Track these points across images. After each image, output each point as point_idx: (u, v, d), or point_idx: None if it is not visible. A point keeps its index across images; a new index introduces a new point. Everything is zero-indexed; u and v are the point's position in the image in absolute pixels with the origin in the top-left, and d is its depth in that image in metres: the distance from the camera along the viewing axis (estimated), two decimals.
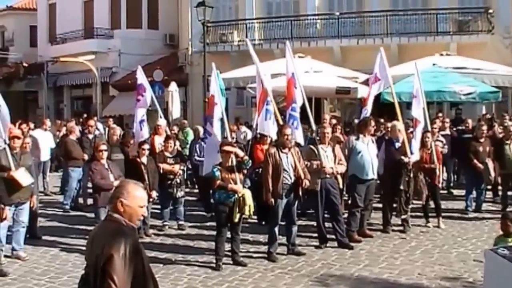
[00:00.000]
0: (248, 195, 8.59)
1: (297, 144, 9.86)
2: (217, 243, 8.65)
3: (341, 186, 9.92)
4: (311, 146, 9.70)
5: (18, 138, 9.20)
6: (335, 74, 17.71)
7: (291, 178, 8.95)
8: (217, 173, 8.67)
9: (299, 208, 9.96)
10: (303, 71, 15.25)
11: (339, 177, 9.79)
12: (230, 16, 27.16)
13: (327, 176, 9.48)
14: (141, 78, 13.52)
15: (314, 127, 10.20)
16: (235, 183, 8.63)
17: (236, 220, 8.58)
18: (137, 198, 3.98)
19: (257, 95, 10.57)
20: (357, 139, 10.12)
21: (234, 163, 8.82)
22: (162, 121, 13.51)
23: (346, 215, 10.18)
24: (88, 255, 4.03)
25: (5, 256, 8.95)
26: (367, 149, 10.02)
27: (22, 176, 8.89)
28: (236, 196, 8.54)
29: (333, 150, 9.66)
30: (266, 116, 10.16)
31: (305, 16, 25.49)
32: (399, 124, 10.70)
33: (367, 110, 11.33)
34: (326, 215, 9.79)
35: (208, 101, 10.83)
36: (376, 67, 11.38)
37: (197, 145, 12.77)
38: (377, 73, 11.41)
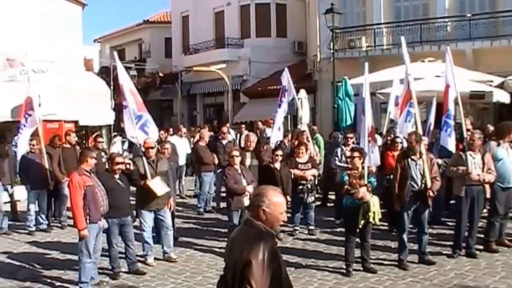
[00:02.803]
0: (374, 202, 8.51)
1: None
2: (346, 248, 8.72)
3: (488, 195, 9.50)
4: (460, 152, 9.49)
5: (152, 148, 9.68)
6: (467, 78, 17.10)
7: (417, 185, 8.86)
8: (345, 178, 8.73)
9: (429, 217, 9.74)
10: (434, 75, 14.94)
11: (486, 186, 9.37)
12: (358, 21, 26.86)
13: (473, 183, 9.23)
14: (285, 80, 13.76)
15: (465, 134, 9.81)
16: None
17: (360, 226, 8.55)
18: (278, 204, 3.98)
19: (401, 95, 10.41)
20: (498, 145, 9.77)
21: (365, 170, 8.82)
22: (304, 127, 13.70)
23: (480, 224, 9.85)
24: (227, 258, 4.13)
25: (138, 255, 9.43)
26: (508, 155, 9.66)
27: (157, 186, 9.29)
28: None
29: (483, 158, 9.31)
30: (407, 118, 10.04)
31: (435, 19, 24.73)
32: None
33: None
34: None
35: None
36: None
37: (339, 150, 12.50)
38: None
